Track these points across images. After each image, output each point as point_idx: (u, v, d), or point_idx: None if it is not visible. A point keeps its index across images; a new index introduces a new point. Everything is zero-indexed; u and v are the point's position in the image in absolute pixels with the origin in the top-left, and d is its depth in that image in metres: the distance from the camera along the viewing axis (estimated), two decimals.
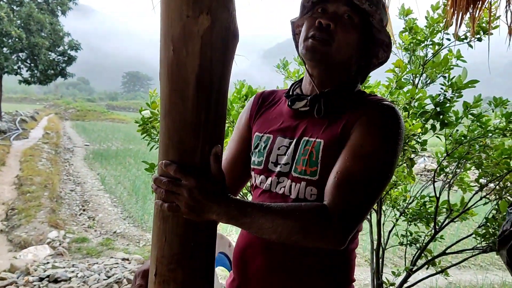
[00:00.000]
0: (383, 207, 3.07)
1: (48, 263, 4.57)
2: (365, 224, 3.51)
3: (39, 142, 16.76)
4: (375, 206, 2.97)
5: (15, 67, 20.12)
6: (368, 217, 3.20)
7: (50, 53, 21.04)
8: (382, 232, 2.96)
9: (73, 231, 7.17)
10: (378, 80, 2.72)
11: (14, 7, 19.73)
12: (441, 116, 2.50)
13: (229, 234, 6.47)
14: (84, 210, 8.62)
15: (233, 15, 1.06)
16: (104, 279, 4.08)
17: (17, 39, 18.73)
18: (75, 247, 6.38)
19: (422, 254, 2.93)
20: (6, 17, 17.81)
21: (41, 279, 4.00)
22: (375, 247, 3.02)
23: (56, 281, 3.99)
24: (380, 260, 3.00)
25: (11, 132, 18.64)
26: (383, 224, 3.01)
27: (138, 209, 8.42)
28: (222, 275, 4.38)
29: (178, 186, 0.98)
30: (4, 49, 19.29)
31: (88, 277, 4.12)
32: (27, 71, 21.32)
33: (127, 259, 4.85)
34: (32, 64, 20.89)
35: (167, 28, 1.03)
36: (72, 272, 4.19)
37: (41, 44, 19.46)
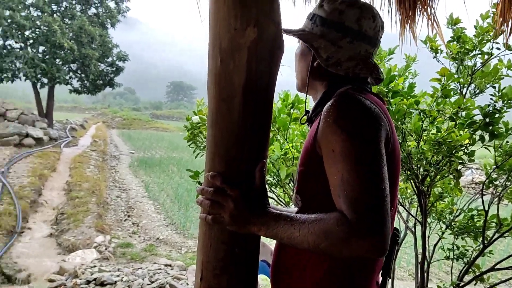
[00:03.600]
0: (428, 220, 2.99)
1: (95, 266, 4.74)
2: (409, 237, 3.42)
3: (88, 149, 17.44)
4: (419, 218, 2.90)
5: (67, 77, 21.11)
6: (412, 229, 3.12)
7: (99, 64, 21.93)
8: (427, 246, 2.88)
9: (118, 236, 7.40)
10: (424, 90, 2.67)
11: (67, 20, 20.79)
12: (490, 127, 2.42)
13: (270, 242, 6.46)
14: (129, 216, 8.88)
15: (279, 27, 1.09)
16: (148, 284, 4.18)
17: (69, 51, 19.68)
18: (120, 252, 6.57)
19: (470, 269, 2.83)
20: (59, 30, 18.78)
21: (88, 282, 4.16)
22: (419, 260, 2.94)
23: (102, 284, 4.14)
24: (425, 274, 2.92)
25: (61, 139, 19.53)
26: (428, 237, 2.92)
27: (181, 216, 8.58)
28: (262, 284, 4.38)
29: (224, 196, 1.04)
30: (57, 60, 20.31)
31: (132, 281, 4.24)
32: (77, 81, 22.30)
33: (170, 265, 4.95)
34: (83, 75, 21.86)
35: (215, 40, 1.08)
36: (118, 276, 4.32)
37: (91, 55, 20.34)
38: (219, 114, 1.08)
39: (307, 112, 1.29)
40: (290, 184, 2.98)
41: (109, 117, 43.73)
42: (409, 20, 2.45)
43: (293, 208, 1.39)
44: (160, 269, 4.67)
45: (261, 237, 1.13)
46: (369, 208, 0.91)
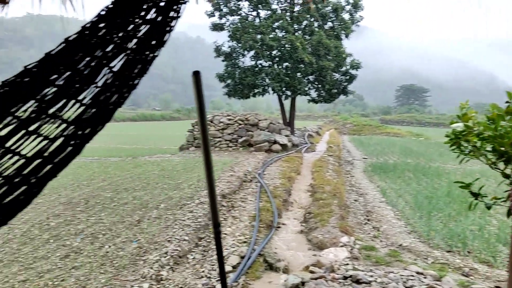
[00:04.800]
0: None
1: (347, 264, 5.06)
2: None
3: (324, 154, 18.61)
4: None
5: (306, 88, 23.12)
6: None
7: (334, 74, 23.22)
8: None
9: (361, 239, 7.65)
10: None
11: (306, 37, 22.79)
12: None
13: None
14: (368, 220, 9.07)
15: None
16: None
17: (308, 64, 21.52)
18: (364, 254, 6.79)
19: None
20: (300, 46, 20.74)
21: (345, 278, 4.48)
22: None
23: (358, 282, 4.39)
24: None
25: (301, 145, 21.44)
26: None
27: (423, 225, 8.26)
28: None
29: None
30: (298, 74, 22.47)
31: (386, 284, 4.35)
32: (315, 91, 24.15)
33: (422, 273, 4.86)
34: (319, 85, 23.54)
35: None
36: (371, 276, 4.51)
37: (328, 66, 21.71)
38: None
39: None
40: None
41: (340, 124, 45.69)
42: None
43: None
44: (412, 276, 4.63)
45: None
46: None
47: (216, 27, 23.15)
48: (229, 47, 23.26)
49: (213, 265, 5.98)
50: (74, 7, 3.45)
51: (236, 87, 22.58)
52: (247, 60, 23.32)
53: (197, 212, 8.12)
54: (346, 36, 23.41)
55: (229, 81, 22.81)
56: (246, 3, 23.40)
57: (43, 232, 7.09)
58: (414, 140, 29.71)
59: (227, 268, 5.75)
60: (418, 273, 4.80)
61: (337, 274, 4.69)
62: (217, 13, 23.35)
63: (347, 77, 23.55)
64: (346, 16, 23.35)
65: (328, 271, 4.88)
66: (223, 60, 23.24)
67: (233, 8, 22.89)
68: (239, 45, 22.18)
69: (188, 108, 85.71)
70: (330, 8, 22.48)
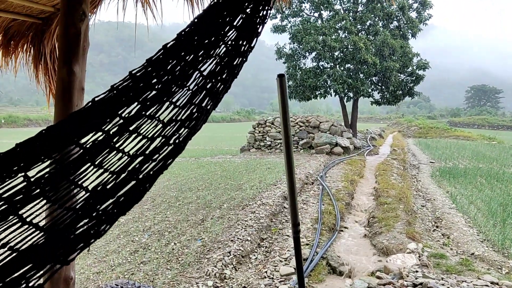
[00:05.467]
0: None
1: (417, 271, 4.87)
2: None
3: (388, 158, 18.03)
4: None
5: (369, 90, 22.54)
6: None
7: (399, 74, 22.42)
8: None
9: (430, 246, 7.32)
10: None
11: (370, 37, 22.24)
12: None
13: None
14: (437, 227, 8.66)
15: None
16: None
17: (371, 65, 20.96)
18: (434, 262, 6.49)
19: None
20: (364, 47, 20.27)
21: (414, 285, 4.31)
22: None
23: None
24: None
25: (364, 148, 20.92)
26: None
27: (497, 233, 7.76)
28: None
29: None
30: (361, 75, 21.97)
31: None
32: (378, 93, 23.48)
33: (497, 284, 4.57)
34: (383, 87, 22.85)
35: None
36: (442, 285, 4.30)
37: (392, 67, 21.02)
38: None
39: None
40: None
41: (404, 126, 44.12)
42: None
43: None
44: (486, 285, 4.36)
45: None
46: None
47: (278, 29, 23.25)
48: (291, 49, 23.26)
49: (276, 266, 6.00)
50: (147, 14, 3.63)
51: (297, 89, 22.50)
52: (308, 62, 23.21)
53: (259, 213, 8.20)
54: (413, 36, 22.53)
55: (290, 83, 22.80)
56: (308, 5, 23.29)
57: (114, 227, 7.50)
58: (486, 144, 27.92)
59: (289, 269, 5.75)
60: (492, 283, 4.52)
61: (406, 281, 4.53)
62: (278, 15, 23.44)
63: (413, 78, 22.63)
64: (413, 14, 22.48)
65: (397, 278, 4.72)
66: (284, 62, 23.28)
67: (295, 9, 22.86)
68: (301, 46, 22.10)
69: (247, 110, 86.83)
70: (396, 7, 21.76)
